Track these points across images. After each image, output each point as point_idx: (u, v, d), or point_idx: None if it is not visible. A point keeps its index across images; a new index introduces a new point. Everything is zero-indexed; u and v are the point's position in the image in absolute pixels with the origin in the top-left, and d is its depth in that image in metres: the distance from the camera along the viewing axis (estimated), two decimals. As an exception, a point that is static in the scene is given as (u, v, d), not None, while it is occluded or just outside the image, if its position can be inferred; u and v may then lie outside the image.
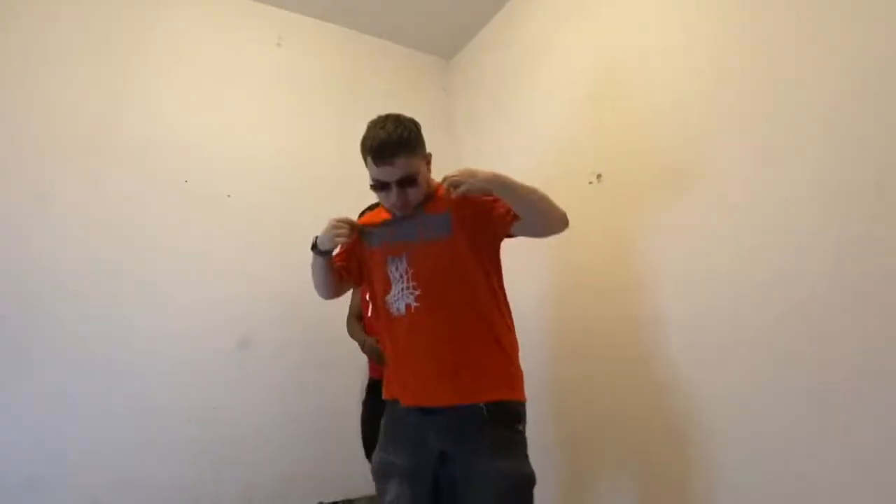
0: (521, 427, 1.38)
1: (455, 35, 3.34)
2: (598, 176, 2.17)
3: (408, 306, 1.41)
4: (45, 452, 2.20)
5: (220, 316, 2.60)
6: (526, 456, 1.37)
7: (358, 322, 2.39)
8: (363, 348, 2.18)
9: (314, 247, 1.54)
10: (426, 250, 1.44)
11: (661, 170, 1.92)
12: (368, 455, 2.27)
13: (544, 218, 1.38)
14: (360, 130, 3.09)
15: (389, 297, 1.46)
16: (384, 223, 1.56)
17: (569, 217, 1.41)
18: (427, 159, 1.52)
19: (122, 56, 2.58)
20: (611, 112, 2.18)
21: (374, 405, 2.21)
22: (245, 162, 2.79)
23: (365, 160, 1.49)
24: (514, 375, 1.43)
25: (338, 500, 2.16)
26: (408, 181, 1.43)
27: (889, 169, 1.30)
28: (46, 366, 2.24)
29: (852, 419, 1.34)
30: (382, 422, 1.52)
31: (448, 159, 3.41)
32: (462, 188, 1.31)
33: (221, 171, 2.72)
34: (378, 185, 1.46)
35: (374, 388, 2.29)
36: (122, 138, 2.51)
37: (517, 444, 1.37)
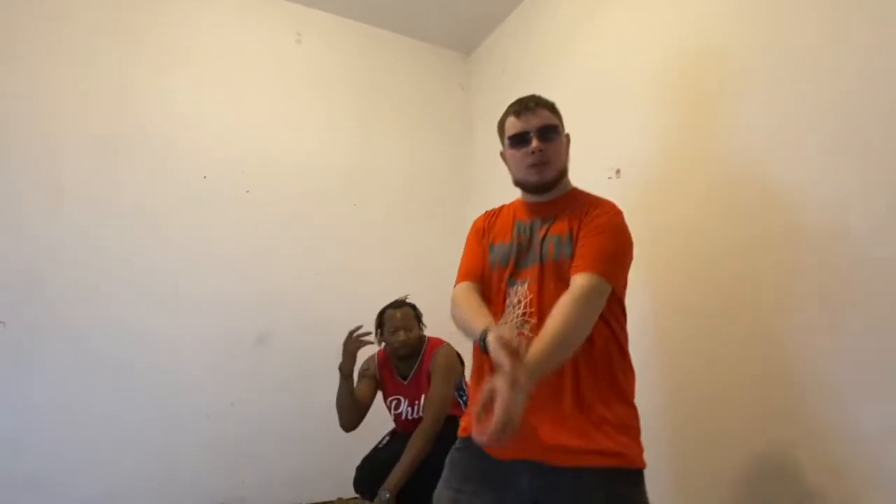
0: (639, 489, 1.16)
1: (474, 30, 3.32)
2: (618, 171, 2.14)
3: (521, 336, 1.17)
4: (60, 449, 2.23)
5: (239, 312, 2.63)
6: None
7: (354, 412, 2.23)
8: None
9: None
10: (549, 272, 1.25)
11: (681, 168, 1.88)
12: (357, 487, 2.19)
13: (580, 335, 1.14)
14: (379, 126, 3.12)
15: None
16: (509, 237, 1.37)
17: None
18: (566, 139, 1.40)
19: (139, 52, 2.61)
20: (631, 107, 2.14)
21: (388, 453, 2.10)
22: (264, 158, 2.81)
23: (502, 128, 1.39)
24: (637, 431, 1.21)
25: (356, 495, 2.16)
26: (548, 131, 1.31)
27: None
28: (62, 362, 2.28)
29: None
30: (455, 455, 1.29)
31: (466, 155, 3.39)
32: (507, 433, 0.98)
33: (240, 167, 2.74)
34: (516, 139, 1.32)
35: (395, 433, 2.23)
36: (139, 134, 2.55)
37: None
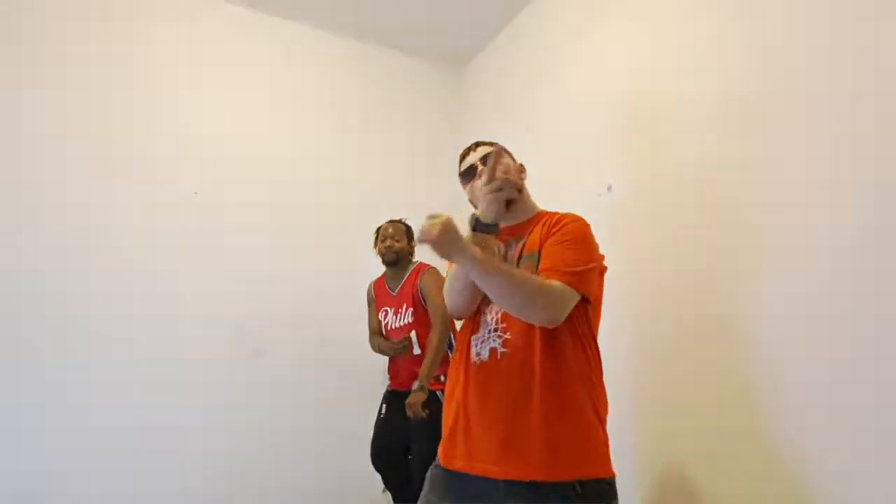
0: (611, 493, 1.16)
1: (466, 46, 3.35)
2: (609, 187, 2.16)
3: (493, 351, 1.22)
4: (47, 466, 2.20)
5: (234, 326, 2.62)
6: None
7: (377, 336, 2.50)
8: (391, 352, 2.36)
9: (477, 227, 1.20)
10: None
11: (673, 182, 1.90)
12: (375, 463, 2.30)
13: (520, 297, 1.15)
14: (373, 141, 3.13)
15: (475, 338, 1.28)
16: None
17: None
18: (519, 167, 1.46)
19: (128, 68, 2.61)
20: (623, 124, 2.16)
21: (390, 416, 2.33)
22: (255, 174, 2.81)
23: (462, 182, 1.51)
24: (605, 444, 1.20)
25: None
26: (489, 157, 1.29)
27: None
28: (54, 377, 2.26)
29: None
30: (430, 472, 1.29)
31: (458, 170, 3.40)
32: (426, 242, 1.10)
33: (231, 182, 2.74)
34: (466, 175, 1.44)
35: (391, 397, 2.39)
36: (128, 149, 2.54)
37: None
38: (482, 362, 1.23)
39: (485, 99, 3.29)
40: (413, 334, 2.36)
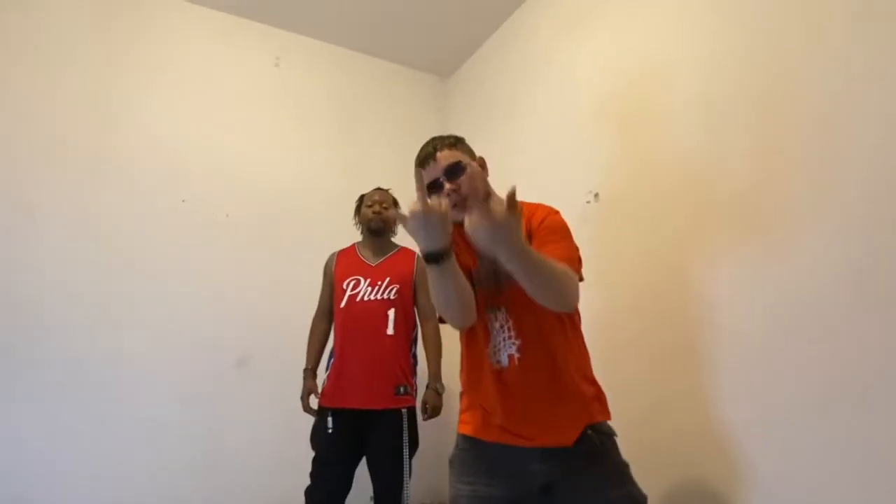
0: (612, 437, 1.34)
1: (451, 55, 3.39)
2: (596, 195, 2.19)
3: (510, 357, 1.31)
4: (39, 471, 2.19)
5: (220, 335, 2.61)
6: (634, 480, 1.30)
7: (324, 323, 2.31)
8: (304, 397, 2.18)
9: (430, 257, 1.16)
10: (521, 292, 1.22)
11: (660, 189, 1.93)
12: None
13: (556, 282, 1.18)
14: (359, 149, 3.14)
15: (491, 347, 1.35)
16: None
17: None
18: (480, 162, 1.42)
19: (117, 76, 2.61)
20: (609, 131, 2.19)
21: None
22: (243, 181, 2.81)
23: (417, 183, 1.35)
24: (603, 396, 1.37)
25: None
26: (454, 170, 1.31)
27: None
28: (41, 386, 2.24)
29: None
30: (462, 455, 1.39)
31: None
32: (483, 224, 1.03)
33: (220, 190, 2.74)
34: (431, 189, 1.32)
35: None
36: (117, 158, 2.53)
37: (627, 466, 1.31)
38: (503, 368, 1.32)
39: (470, 107, 3.32)
40: (392, 312, 2.18)
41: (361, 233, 2.40)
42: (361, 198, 2.43)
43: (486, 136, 3.07)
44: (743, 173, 1.65)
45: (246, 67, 2.96)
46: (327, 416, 2.08)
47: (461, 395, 1.45)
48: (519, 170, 2.61)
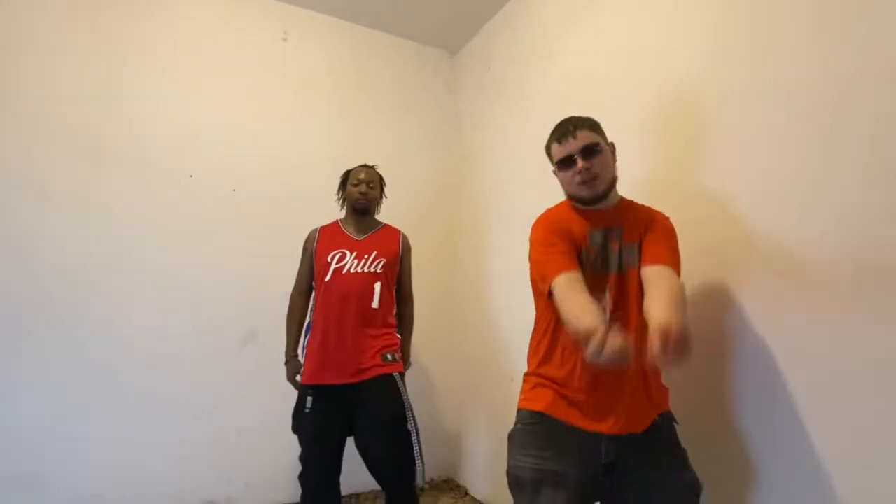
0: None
1: (460, 30, 3.34)
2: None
3: None
4: (48, 449, 2.24)
5: (225, 311, 2.63)
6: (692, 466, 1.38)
7: (303, 299, 2.29)
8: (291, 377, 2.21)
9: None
10: (627, 281, 1.40)
11: (669, 165, 1.90)
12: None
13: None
14: (367, 125, 3.12)
15: None
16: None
17: None
18: (611, 148, 1.49)
19: (125, 52, 2.60)
20: (619, 107, 2.14)
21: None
22: (250, 156, 2.81)
23: (549, 152, 1.50)
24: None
25: (343, 494, 2.17)
26: (590, 150, 1.40)
27: None
28: (48, 363, 2.28)
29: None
30: (528, 429, 1.43)
31: (453, 155, 3.41)
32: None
33: (227, 166, 2.74)
34: (563, 163, 1.44)
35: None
36: (125, 133, 2.54)
37: (686, 452, 1.39)
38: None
39: (477, 83, 3.28)
40: (378, 286, 2.16)
41: (344, 208, 2.36)
42: (347, 174, 2.37)
43: (494, 111, 3.04)
44: (745, 158, 1.61)
45: (254, 42, 2.93)
46: (308, 395, 2.06)
47: (526, 374, 1.52)
48: (528, 146, 2.59)
